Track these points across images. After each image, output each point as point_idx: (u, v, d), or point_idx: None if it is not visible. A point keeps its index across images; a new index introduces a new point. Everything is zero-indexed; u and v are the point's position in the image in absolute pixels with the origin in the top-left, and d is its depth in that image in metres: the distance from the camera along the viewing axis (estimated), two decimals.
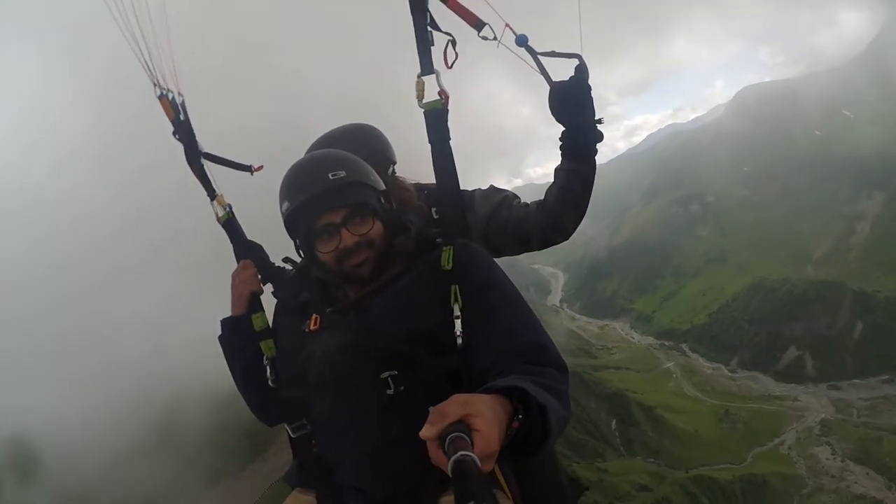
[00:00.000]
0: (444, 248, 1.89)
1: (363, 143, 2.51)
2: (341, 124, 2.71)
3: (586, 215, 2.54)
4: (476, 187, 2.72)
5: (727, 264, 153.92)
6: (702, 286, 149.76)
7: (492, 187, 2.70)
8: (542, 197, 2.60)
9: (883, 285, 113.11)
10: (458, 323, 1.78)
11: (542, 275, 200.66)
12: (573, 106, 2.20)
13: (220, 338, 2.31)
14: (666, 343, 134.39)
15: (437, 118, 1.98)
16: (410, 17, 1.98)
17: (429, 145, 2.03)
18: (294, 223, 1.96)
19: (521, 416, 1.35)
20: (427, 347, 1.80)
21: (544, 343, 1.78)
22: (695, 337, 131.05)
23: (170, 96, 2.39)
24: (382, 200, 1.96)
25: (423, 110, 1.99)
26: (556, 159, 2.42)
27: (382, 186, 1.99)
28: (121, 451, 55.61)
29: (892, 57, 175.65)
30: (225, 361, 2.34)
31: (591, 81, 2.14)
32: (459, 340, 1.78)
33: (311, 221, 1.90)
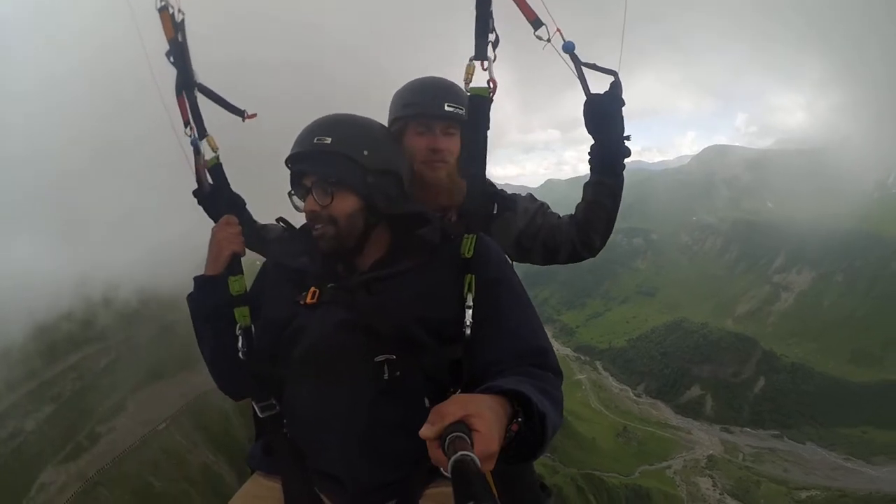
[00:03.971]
0: (467, 237, 1.79)
1: (461, 97, 2.29)
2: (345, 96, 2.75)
3: None
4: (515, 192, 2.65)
5: (654, 299, 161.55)
6: (627, 314, 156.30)
7: (530, 195, 2.62)
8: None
9: (792, 352, 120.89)
10: (468, 313, 1.70)
11: None
12: (606, 119, 2.20)
13: (190, 297, 2.08)
14: (582, 357, 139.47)
15: (481, 105, 1.88)
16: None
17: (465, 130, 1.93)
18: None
19: (520, 420, 1.33)
20: (434, 335, 1.71)
21: (546, 347, 1.73)
22: (610, 357, 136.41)
23: (171, 11, 2.10)
24: (370, 180, 1.79)
25: (468, 94, 1.90)
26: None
27: (385, 167, 1.83)
28: (50, 320, 54.60)
29: (862, 151, 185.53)
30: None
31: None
32: (468, 332, 1.69)
33: (295, 177, 1.85)
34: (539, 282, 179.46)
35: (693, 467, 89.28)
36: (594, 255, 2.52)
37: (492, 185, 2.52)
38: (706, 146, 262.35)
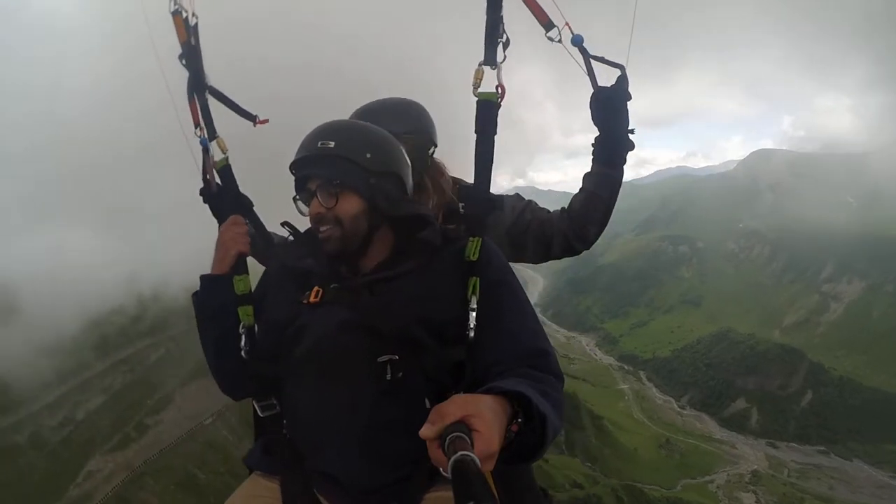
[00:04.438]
0: (472, 239, 1.85)
1: (404, 118, 2.46)
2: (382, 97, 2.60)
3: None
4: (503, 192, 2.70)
5: (700, 308, 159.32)
6: (672, 323, 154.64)
7: (517, 194, 2.71)
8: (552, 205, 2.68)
9: (840, 364, 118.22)
10: (472, 315, 1.75)
11: (522, 276, 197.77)
12: (611, 112, 2.28)
13: (196, 296, 2.13)
14: (625, 367, 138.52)
15: (489, 110, 1.92)
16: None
17: (474, 135, 1.98)
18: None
19: (520, 420, 1.34)
20: (437, 337, 1.75)
21: (547, 350, 1.77)
22: (654, 368, 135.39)
23: (184, 15, 2.20)
24: (373, 181, 1.84)
25: (476, 99, 1.94)
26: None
27: (387, 168, 1.89)
28: (101, 315, 57.63)
29: None
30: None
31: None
32: (472, 334, 1.74)
33: (299, 181, 1.91)
34: (582, 290, 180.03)
35: (736, 482, 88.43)
36: (588, 248, 2.60)
37: (465, 182, 2.61)
38: (752, 150, 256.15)
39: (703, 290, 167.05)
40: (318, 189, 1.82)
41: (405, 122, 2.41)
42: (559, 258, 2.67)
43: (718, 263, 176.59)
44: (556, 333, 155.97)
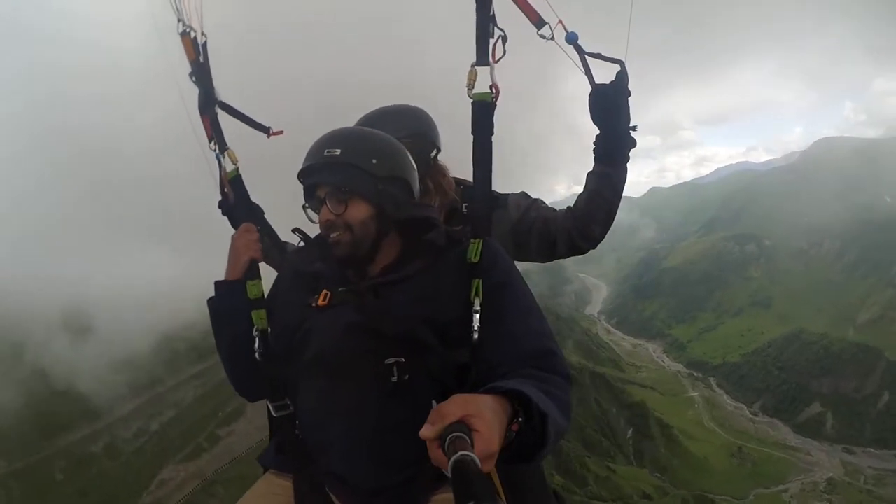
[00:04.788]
0: (473, 241, 1.88)
1: (404, 123, 2.49)
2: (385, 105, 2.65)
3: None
4: (510, 191, 2.70)
5: (770, 310, 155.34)
6: (741, 326, 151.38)
7: (523, 193, 2.69)
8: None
9: None
10: (476, 317, 1.76)
11: (585, 284, 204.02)
12: (611, 110, 2.26)
13: (211, 301, 2.17)
14: (694, 373, 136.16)
15: (484, 110, 1.95)
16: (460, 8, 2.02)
17: (471, 137, 2.00)
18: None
19: (520, 420, 1.34)
20: (441, 338, 1.77)
21: (553, 349, 1.77)
22: (724, 373, 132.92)
23: (192, 35, 2.25)
24: (380, 187, 1.86)
25: (470, 101, 1.96)
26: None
27: (393, 173, 1.91)
28: (173, 331, 61.38)
29: None
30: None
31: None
32: (476, 336, 1.75)
33: (308, 189, 1.95)
34: (646, 296, 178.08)
35: (811, 491, 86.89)
36: (594, 247, 2.59)
37: (469, 183, 2.56)
38: (814, 141, 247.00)
39: (773, 290, 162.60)
40: (326, 196, 1.86)
41: (406, 127, 2.47)
42: (564, 257, 2.67)
43: (787, 261, 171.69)
44: (621, 342, 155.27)
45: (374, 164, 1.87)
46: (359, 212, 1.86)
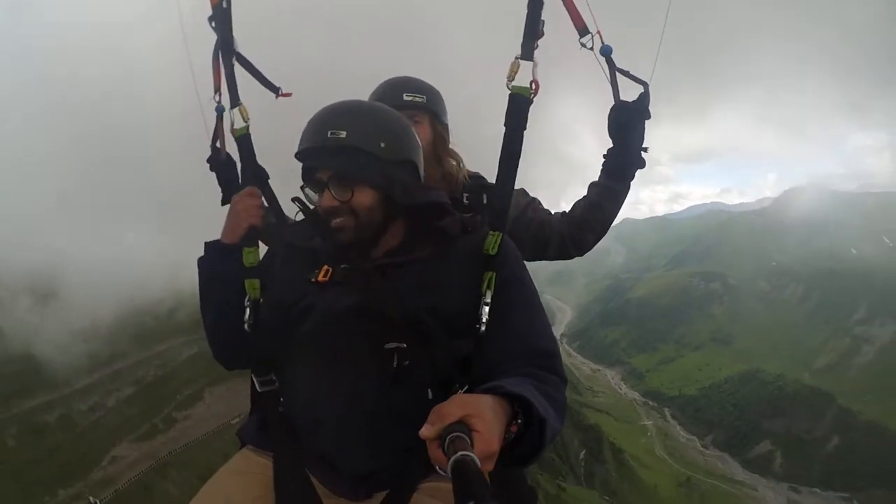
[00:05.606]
0: (492, 233, 1.80)
1: (421, 99, 2.43)
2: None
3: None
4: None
5: (729, 347, 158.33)
6: (700, 361, 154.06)
7: (522, 189, 2.66)
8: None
9: (869, 409, 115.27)
10: (485, 310, 1.70)
11: (550, 306, 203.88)
12: (628, 126, 2.29)
13: (201, 261, 2.07)
14: (650, 403, 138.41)
15: (521, 104, 1.87)
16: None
17: (503, 129, 1.92)
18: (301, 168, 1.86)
19: (519, 422, 1.33)
20: (446, 328, 1.69)
21: (554, 351, 1.73)
22: (679, 405, 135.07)
23: None
24: (388, 171, 1.75)
25: (509, 92, 1.88)
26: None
27: (402, 156, 1.79)
28: (140, 306, 60.47)
29: None
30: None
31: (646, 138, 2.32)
32: (483, 328, 1.69)
33: (307, 171, 1.83)
34: (610, 323, 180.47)
35: None
36: (582, 255, 2.62)
37: (481, 177, 2.56)
38: (788, 188, 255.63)
39: (734, 328, 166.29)
40: (330, 181, 1.74)
41: (420, 106, 2.43)
42: (552, 260, 2.69)
43: (750, 302, 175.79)
44: (581, 366, 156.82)
45: (381, 147, 1.74)
46: (365, 198, 1.74)
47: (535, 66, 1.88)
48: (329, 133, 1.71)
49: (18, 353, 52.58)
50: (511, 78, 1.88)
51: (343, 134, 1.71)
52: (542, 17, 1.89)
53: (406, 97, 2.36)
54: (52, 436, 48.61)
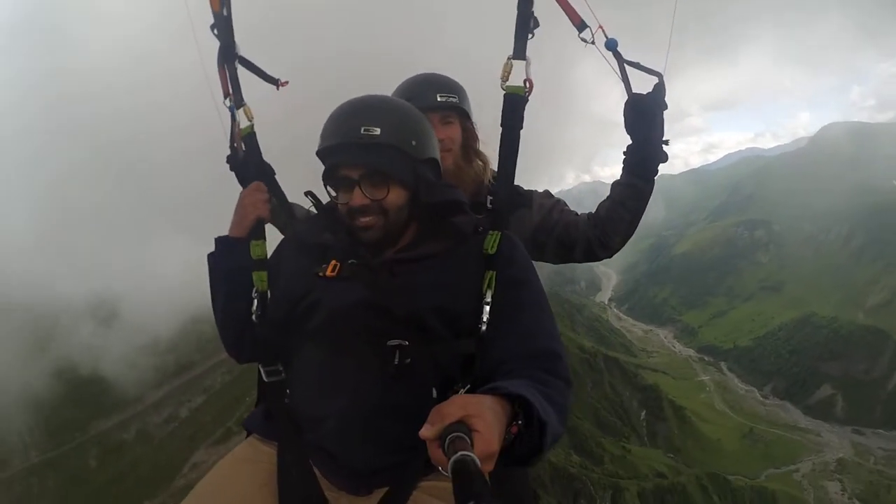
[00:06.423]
0: (491, 233, 1.80)
1: (453, 99, 2.39)
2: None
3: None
4: (533, 188, 2.63)
5: (780, 294, 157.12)
6: (751, 311, 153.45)
7: (547, 191, 2.62)
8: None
9: None
10: (486, 309, 1.70)
11: (595, 272, 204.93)
12: (646, 120, 2.21)
13: (211, 256, 2.10)
14: (706, 358, 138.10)
15: (516, 104, 1.88)
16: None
17: (500, 129, 1.92)
18: (323, 163, 1.83)
19: (520, 422, 1.32)
20: (450, 327, 1.70)
21: (559, 352, 1.71)
22: (735, 358, 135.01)
23: None
24: (418, 171, 1.76)
25: (503, 92, 1.89)
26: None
27: (428, 154, 1.81)
28: (200, 317, 61.62)
29: None
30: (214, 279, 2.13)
31: (672, 94, 2.19)
32: (484, 328, 1.69)
33: (333, 168, 1.77)
34: (657, 281, 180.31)
35: (822, 471, 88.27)
36: (610, 256, 2.53)
37: None
38: (822, 126, 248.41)
39: (783, 274, 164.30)
40: (362, 179, 1.71)
41: (451, 106, 2.41)
42: (580, 262, 2.62)
43: (796, 247, 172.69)
44: (632, 328, 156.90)
45: (413, 146, 1.76)
46: (397, 197, 1.75)
47: (528, 64, 1.89)
48: (363, 129, 1.70)
49: (88, 376, 55.72)
50: (505, 78, 1.90)
51: (377, 131, 1.70)
52: (541, 17, 1.91)
53: (440, 98, 2.36)
54: (130, 451, 51.82)
